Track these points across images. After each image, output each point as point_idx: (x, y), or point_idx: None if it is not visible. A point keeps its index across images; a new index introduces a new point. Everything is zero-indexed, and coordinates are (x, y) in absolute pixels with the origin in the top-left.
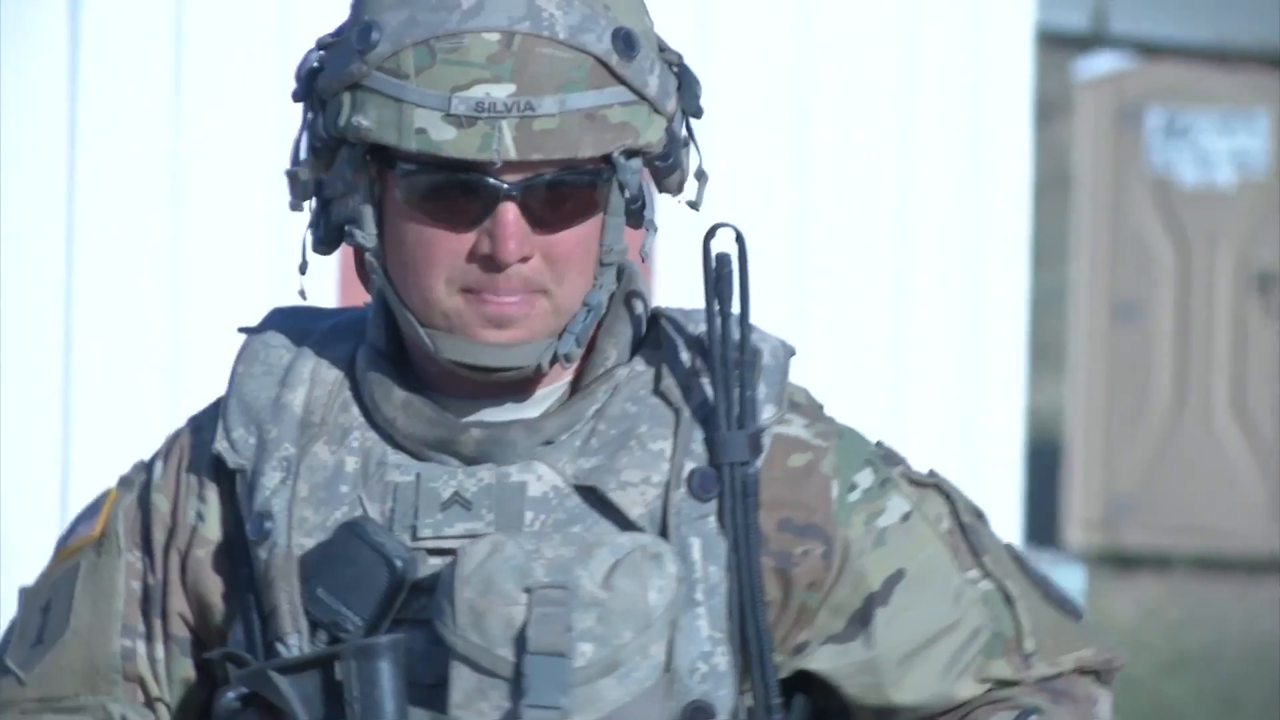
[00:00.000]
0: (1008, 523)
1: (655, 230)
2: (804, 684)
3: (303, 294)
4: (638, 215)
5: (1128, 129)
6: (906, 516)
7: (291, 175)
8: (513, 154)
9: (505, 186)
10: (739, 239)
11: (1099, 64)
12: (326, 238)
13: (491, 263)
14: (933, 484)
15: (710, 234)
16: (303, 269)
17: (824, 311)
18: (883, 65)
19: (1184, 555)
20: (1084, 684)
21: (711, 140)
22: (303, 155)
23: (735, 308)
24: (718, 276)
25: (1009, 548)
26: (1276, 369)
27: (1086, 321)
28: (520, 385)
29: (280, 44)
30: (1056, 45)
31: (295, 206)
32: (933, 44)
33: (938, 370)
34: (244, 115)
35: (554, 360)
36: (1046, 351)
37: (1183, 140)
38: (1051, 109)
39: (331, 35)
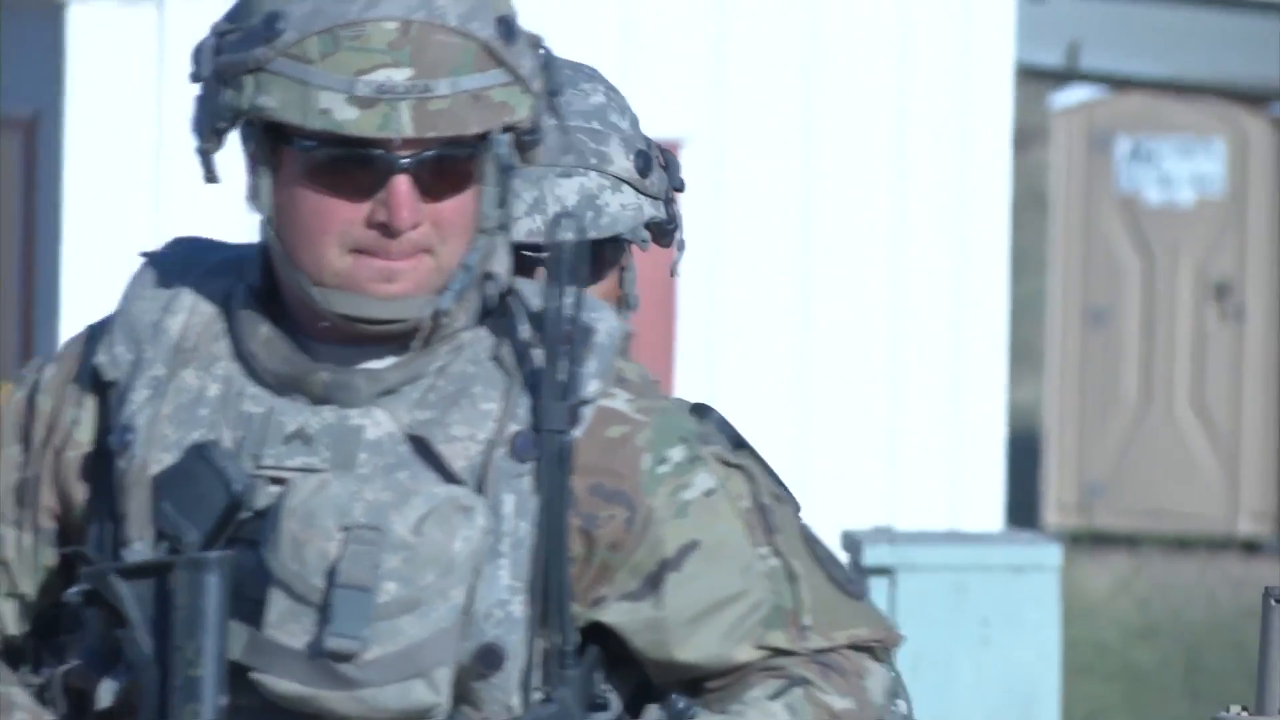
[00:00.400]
0: (991, 506)
1: (684, 248)
2: (599, 636)
3: None
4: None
5: (1098, 154)
6: (710, 493)
7: (203, 153)
8: (410, 131)
9: (400, 161)
10: (580, 231)
11: (1071, 96)
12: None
13: (386, 229)
14: (740, 465)
15: (555, 222)
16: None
17: (827, 316)
18: (880, 97)
19: (1150, 535)
20: (856, 659)
21: (727, 170)
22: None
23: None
24: (558, 260)
25: (804, 531)
26: (1231, 368)
27: (1061, 326)
28: (395, 340)
29: None
30: (1033, 79)
31: (211, 179)
32: (924, 80)
33: (928, 369)
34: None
35: (436, 316)
36: (1025, 352)
37: (1147, 164)
38: (1029, 136)
39: (227, 21)
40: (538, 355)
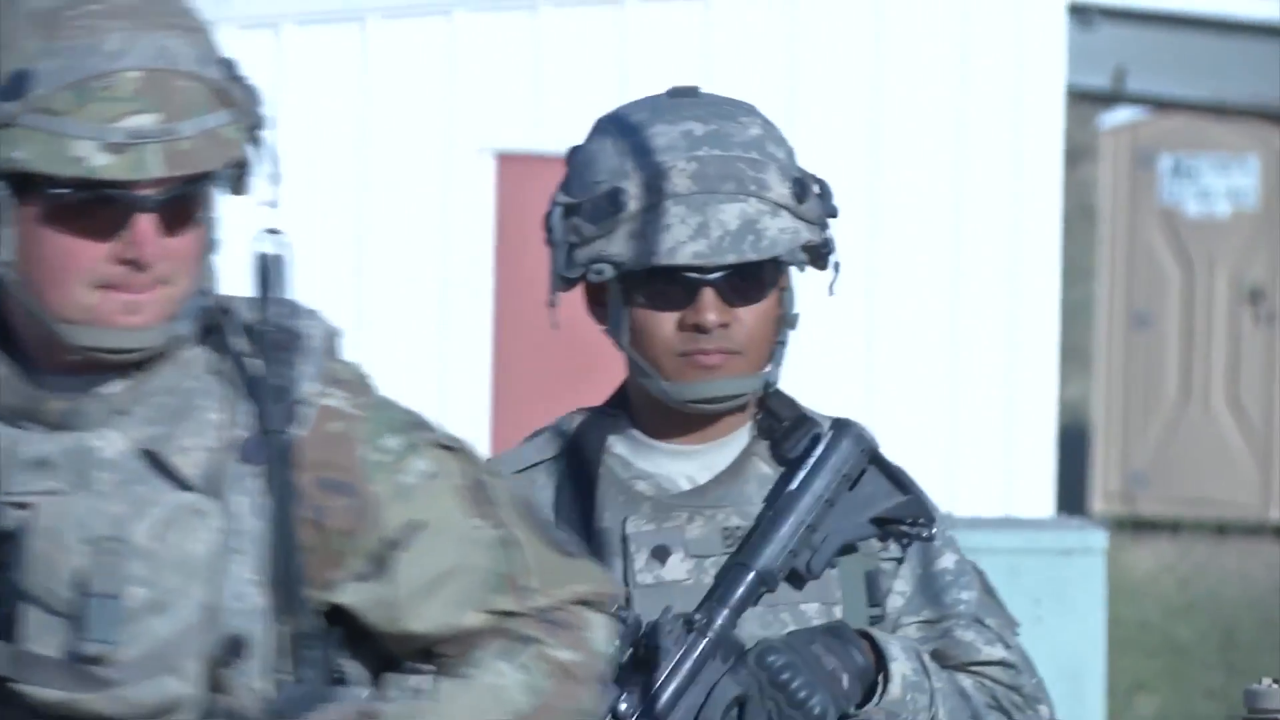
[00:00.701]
0: (1043, 494)
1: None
2: (339, 617)
3: None
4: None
5: (1141, 170)
6: (428, 475)
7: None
8: (163, 171)
9: (147, 199)
10: (282, 245)
11: (1117, 116)
12: None
13: (135, 264)
14: (456, 448)
15: (259, 237)
16: None
17: (891, 320)
18: (941, 118)
19: (1189, 521)
20: (579, 613)
21: None
22: None
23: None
24: (265, 271)
25: (521, 501)
26: (1264, 367)
27: (1107, 328)
28: (126, 365)
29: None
30: (1082, 101)
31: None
32: (981, 102)
33: (985, 369)
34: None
35: (171, 340)
36: (1074, 353)
37: (1187, 179)
38: (1078, 153)
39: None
40: (255, 364)
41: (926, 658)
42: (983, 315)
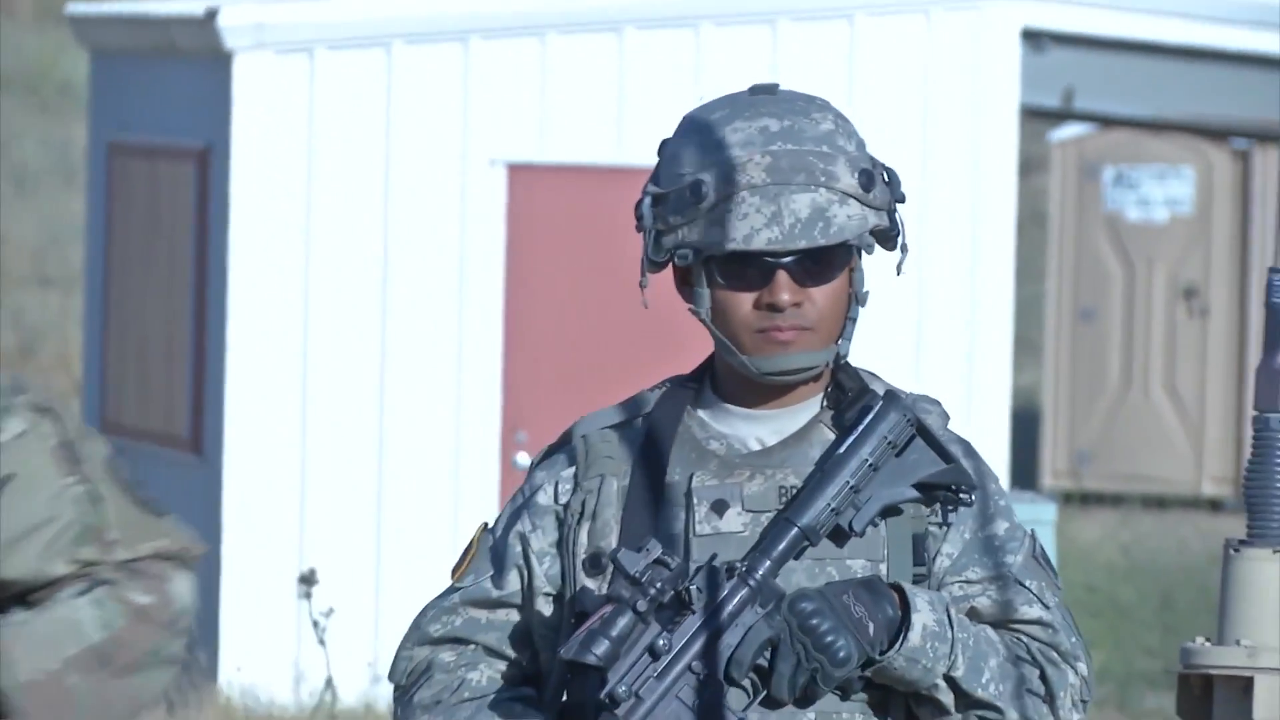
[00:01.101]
0: (997, 471)
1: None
2: None
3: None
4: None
5: (1088, 180)
6: (20, 435)
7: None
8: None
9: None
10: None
11: (1066, 132)
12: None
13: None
14: (49, 410)
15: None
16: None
17: (862, 315)
18: (906, 134)
19: (1130, 495)
20: (160, 565)
21: None
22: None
23: None
24: None
25: (108, 460)
26: (1197, 357)
27: (1056, 322)
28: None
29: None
30: (1035, 118)
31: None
32: (944, 119)
33: (946, 358)
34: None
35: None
36: (1026, 345)
37: (1129, 188)
38: (1031, 165)
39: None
40: None
41: (954, 611)
42: (944, 310)
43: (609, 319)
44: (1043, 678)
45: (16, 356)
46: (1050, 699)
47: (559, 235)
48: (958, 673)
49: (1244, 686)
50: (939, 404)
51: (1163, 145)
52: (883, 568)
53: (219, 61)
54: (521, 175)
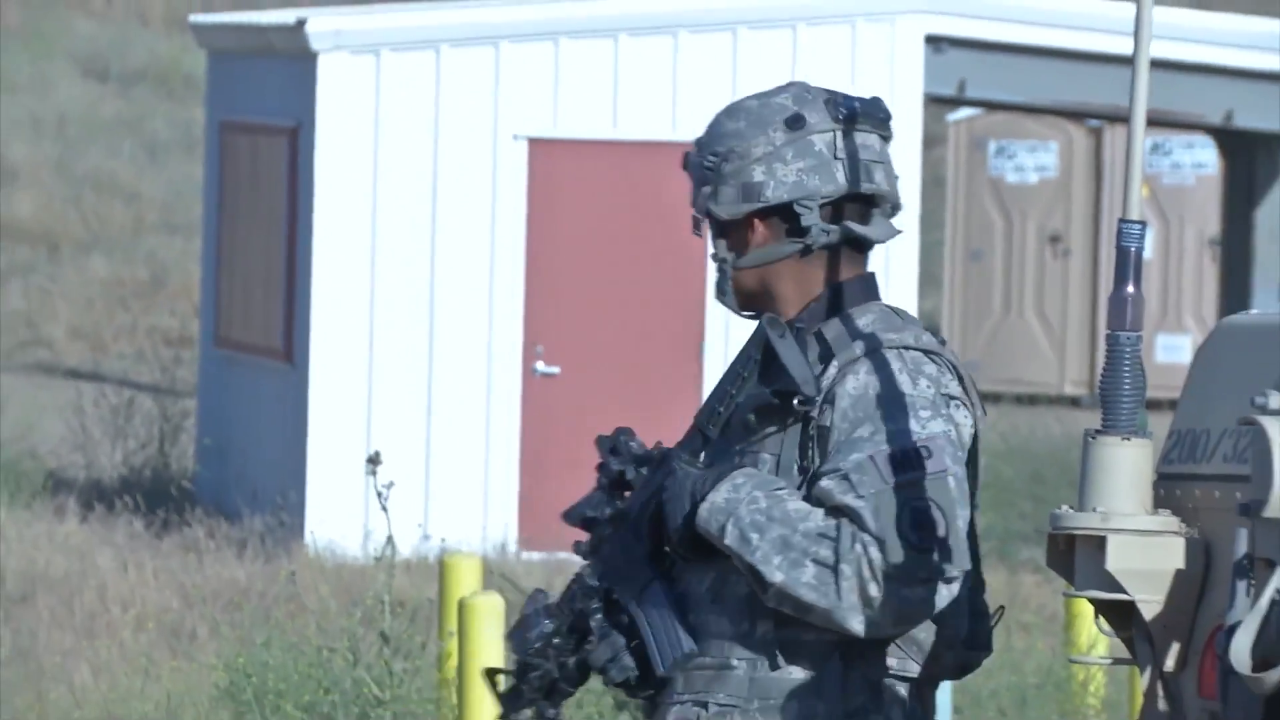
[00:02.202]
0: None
1: None
2: None
3: None
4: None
5: (976, 152)
6: None
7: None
8: None
9: None
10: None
11: (960, 114)
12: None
13: None
14: None
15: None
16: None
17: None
18: None
19: (1009, 394)
20: None
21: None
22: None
23: None
24: None
25: None
26: (1061, 289)
27: (950, 262)
28: None
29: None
30: (936, 104)
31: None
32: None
33: None
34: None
35: None
36: (929, 279)
37: (1008, 158)
38: (932, 140)
39: None
40: None
41: (745, 492)
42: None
43: (608, 259)
44: (836, 551)
45: (150, 287)
46: (835, 568)
47: (568, 195)
48: (727, 539)
49: (1099, 544)
50: (911, 325)
51: (1034, 124)
52: (770, 458)
53: (306, 60)
54: (539, 147)
